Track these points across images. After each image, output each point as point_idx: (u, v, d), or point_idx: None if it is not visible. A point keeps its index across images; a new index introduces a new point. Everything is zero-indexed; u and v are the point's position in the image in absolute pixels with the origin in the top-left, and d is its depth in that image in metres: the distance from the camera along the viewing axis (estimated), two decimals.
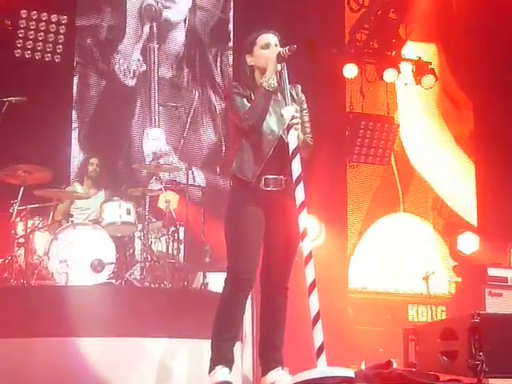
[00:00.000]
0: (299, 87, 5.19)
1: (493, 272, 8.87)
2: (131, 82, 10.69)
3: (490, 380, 4.73)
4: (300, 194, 4.90)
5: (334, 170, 10.66)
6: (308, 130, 5.13)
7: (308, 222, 4.94)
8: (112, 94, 10.63)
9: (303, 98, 5.19)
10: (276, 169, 4.96)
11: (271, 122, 4.99)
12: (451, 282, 11.32)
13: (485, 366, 4.59)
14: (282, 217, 5.01)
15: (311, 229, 5.15)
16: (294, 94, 5.07)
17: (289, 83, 4.97)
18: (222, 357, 4.97)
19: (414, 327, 5.35)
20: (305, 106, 5.18)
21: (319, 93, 9.21)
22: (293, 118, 4.90)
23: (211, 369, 4.96)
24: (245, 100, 5.00)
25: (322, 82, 10.43)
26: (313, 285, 4.83)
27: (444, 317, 10.99)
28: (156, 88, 10.71)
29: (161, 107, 10.42)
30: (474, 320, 4.70)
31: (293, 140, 4.92)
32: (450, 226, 11.72)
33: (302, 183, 4.89)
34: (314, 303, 4.84)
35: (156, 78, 10.75)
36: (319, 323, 4.82)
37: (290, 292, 5.19)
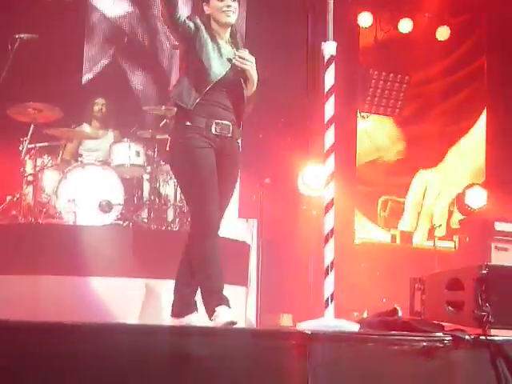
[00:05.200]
0: (247, 51, 5.27)
1: (500, 226, 8.87)
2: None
3: (494, 331, 4.73)
4: (330, 137, 4.91)
5: (344, 119, 10.61)
6: None
7: (333, 167, 4.93)
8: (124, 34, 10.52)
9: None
10: (225, 115, 5.09)
11: (214, 60, 5.06)
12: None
13: (490, 317, 4.60)
14: (228, 162, 5.16)
15: (323, 179, 5.13)
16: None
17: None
18: (219, 297, 4.99)
19: (420, 276, 5.36)
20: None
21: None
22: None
23: (212, 312, 4.95)
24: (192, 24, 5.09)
25: (334, 30, 10.32)
26: (330, 233, 4.84)
27: None
28: None
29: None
30: (482, 271, 4.70)
31: (330, 78, 4.99)
32: None
33: (332, 128, 4.91)
34: (329, 253, 4.84)
35: None
36: (332, 273, 4.82)
37: (303, 242, 5.23)
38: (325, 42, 5.09)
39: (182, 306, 5.18)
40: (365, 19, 11.06)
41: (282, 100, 10.22)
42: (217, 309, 4.93)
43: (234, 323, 4.84)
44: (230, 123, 5.11)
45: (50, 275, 6.61)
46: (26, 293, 6.48)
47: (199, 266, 5.07)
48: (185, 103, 5.05)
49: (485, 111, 11.66)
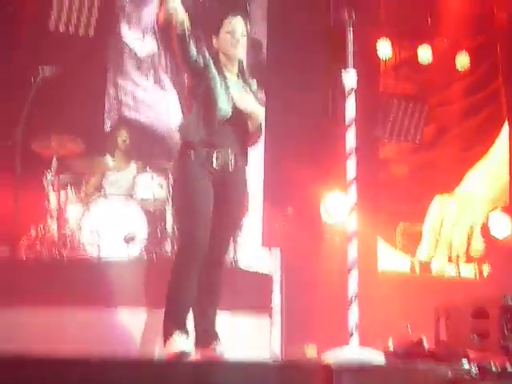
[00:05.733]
0: (255, 81, 5.43)
1: None
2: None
3: None
4: (351, 167, 4.93)
5: (366, 148, 10.60)
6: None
7: (355, 197, 4.94)
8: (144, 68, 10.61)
9: (256, 91, 5.43)
10: (228, 146, 5.15)
11: (221, 97, 5.12)
12: None
13: None
14: (230, 193, 5.21)
15: (345, 207, 5.15)
16: (252, 86, 5.36)
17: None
18: (178, 323, 4.99)
19: (445, 305, 5.34)
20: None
21: None
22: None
23: (166, 338, 4.94)
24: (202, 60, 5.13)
25: (355, 60, 10.36)
26: (354, 263, 4.83)
27: None
28: None
29: None
30: (507, 300, 4.68)
31: (350, 108, 5.02)
32: None
33: (354, 158, 4.93)
34: (353, 282, 4.84)
35: None
36: (356, 302, 4.81)
37: (327, 270, 5.26)
38: (345, 69, 5.11)
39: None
40: (384, 47, 11.10)
41: (304, 128, 10.23)
42: (174, 335, 4.92)
43: (187, 354, 4.80)
44: (232, 154, 5.16)
45: (74, 307, 6.62)
46: (51, 325, 6.49)
47: (172, 289, 5.11)
48: (191, 140, 5.11)
49: (501, 134, 11.59)
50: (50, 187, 7.87)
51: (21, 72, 8.50)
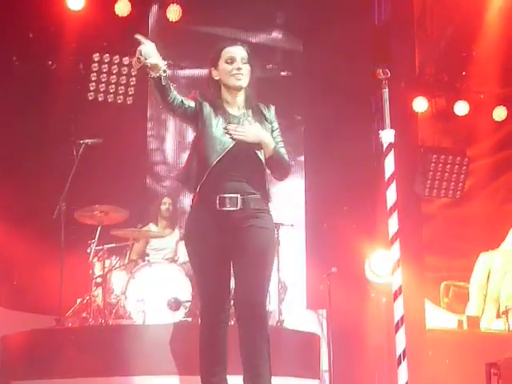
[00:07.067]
0: (272, 108, 5.00)
1: None
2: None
3: None
4: (394, 223, 4.91)
5: (408, 205, 10.57)
6: (283, 149, 4.93)
7: (398, 254, 4.89)
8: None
9: (274, 117, 4.99)
10: (232, 187, 4.73)
11: (218, 134, 4.76)
12: None
13: None
14: (245, 236, 4.72)
15: (390, 265, 5.10)
16: (266, 113, 4.94)
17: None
18: None
19: (496, 361, 5.25)
20: (276, 125, 4.98)
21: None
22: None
23: None
24: (193, 103, 4.81)
25: (391, 116, 10.39)
26: (401, 321, 4.78)
27: None
28: None
29: None
30: None
31: (389, 164, 4.99)
32: None
33: (396, 214, 4.92)
34: (400, 340, 4.76)
35: None
36: (405, 362, 4.74)
37: (373, 330, 5.15)
38: (383, 130, 5.13)
39: None
40: (420, 104, 11.14)
41: (345, 188, 10.25)
42: None
43: None
44: (237, 195, 4.70)
45: (121, 376, 6.62)
46: None
47: (200, 356, 4.80)
48: (189, 189, 4.84)
49: None
50: (95, 257, 7.93)
51: (62, 143, 8.64)
